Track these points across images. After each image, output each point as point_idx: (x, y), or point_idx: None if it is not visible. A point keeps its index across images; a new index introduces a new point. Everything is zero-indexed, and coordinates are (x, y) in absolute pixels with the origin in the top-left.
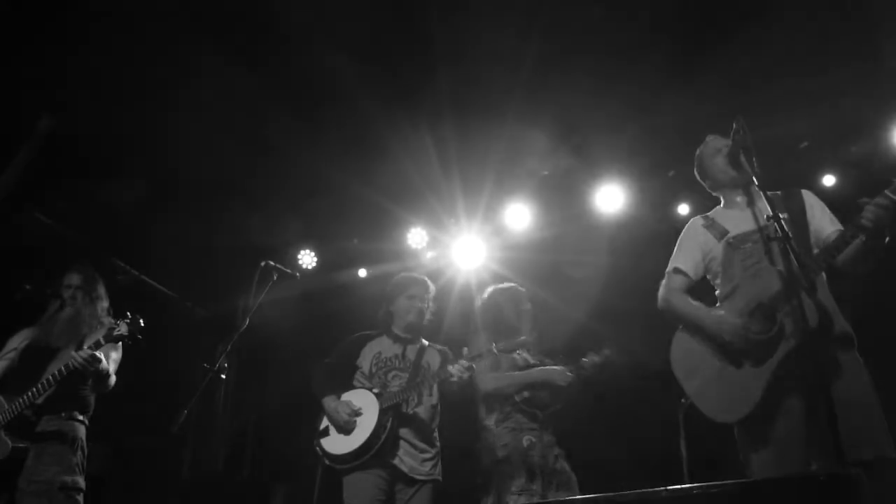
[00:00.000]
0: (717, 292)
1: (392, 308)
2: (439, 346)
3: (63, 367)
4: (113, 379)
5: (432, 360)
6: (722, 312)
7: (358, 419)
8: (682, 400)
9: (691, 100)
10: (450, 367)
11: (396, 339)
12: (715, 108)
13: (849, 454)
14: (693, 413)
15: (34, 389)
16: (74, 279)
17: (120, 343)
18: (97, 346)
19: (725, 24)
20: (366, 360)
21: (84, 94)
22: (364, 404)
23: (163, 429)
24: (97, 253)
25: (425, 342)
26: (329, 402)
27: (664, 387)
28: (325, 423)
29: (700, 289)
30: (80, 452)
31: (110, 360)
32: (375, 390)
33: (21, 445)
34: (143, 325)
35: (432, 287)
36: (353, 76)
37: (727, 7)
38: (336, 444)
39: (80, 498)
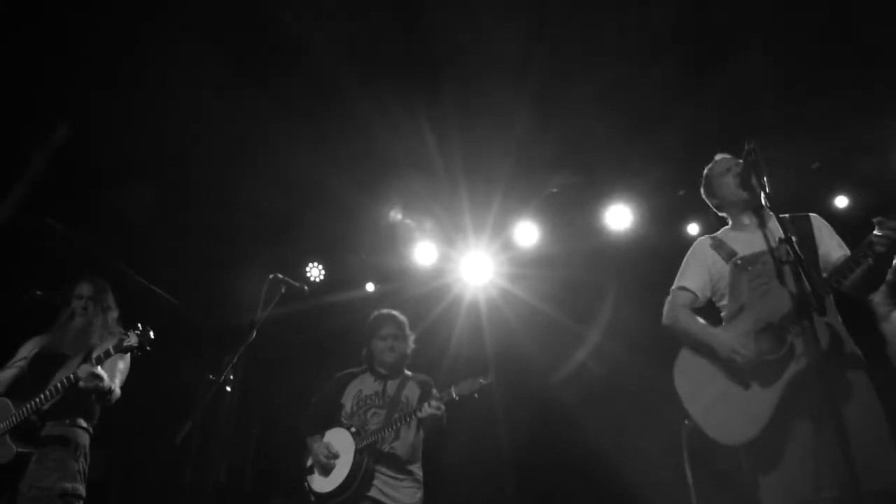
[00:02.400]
0: (722, 313)
1: (371, 348)
2: (420, 377)
3: (71, 375)
4: (117, 393)
5: (411, 393)
6: (730, 333)
7: (336, 460)
8: (686, 422)
9: (701, 119)
10: (424, 407)
11: (378, 376)
12: (725, 127)
13: (862, 483)
14: (698, 435)
15: (41, 396)
16: (85, 289)
17: (128, 353)
18: (107, 355)
19: (736, 42)
20: (348, 399)
21: (99, 105)
22: (342, 445)
23: (166, 438)
24: (107, 260)
25: (408, 373)
26: (310, 442)
27: (669, 407)
28: (310, 461)
29: (704, 311)
30: (82, 459)
31: (116, 370)
32: (353, 429)
33: (25, 451)
34: (152, 336)
35: (403, 320)
36: (361, 91)
37: (737, 26)
38: (319, 483)
39: None
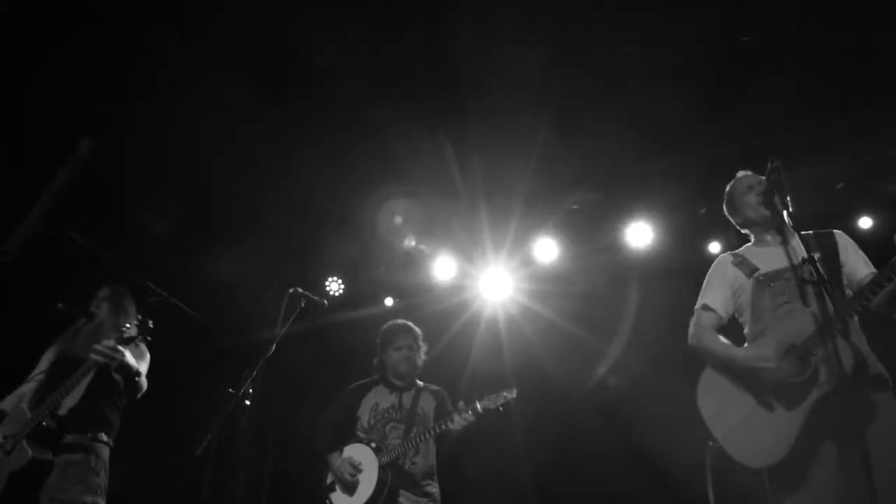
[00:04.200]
0: (745, 331)
1: (384, 358)
2: (433, 387)
3: (85, 367)
4: (144, 381)
5: (427, 405)
6: (756, 350)
7: (360, 476)
8: (710, 443)
9: (724, 137)
10: (456, 418)
11: (392, 388)
12: (748, 145)
13: None
14: (721, 456)
15: (55, 395)
16: (103, 292)
17: (146, 353)
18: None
19: (759, 61)
20: (365, 413)
21: (125, 122)
22: (364, 460)
23: (186, 451)
24: (130, 275)
25: (420, 384)
26: (332, 459)
27: (690, 426)
28: (330, 478)
29: (728, 329)
30: (102, 473)
31: (141, 369)
32: (373, 445)
33: (42, 458)
34: (151, 326)
35: (418, 332)
36: (380, 109)
37: (761, 45)
38: (343, 500)
39: None
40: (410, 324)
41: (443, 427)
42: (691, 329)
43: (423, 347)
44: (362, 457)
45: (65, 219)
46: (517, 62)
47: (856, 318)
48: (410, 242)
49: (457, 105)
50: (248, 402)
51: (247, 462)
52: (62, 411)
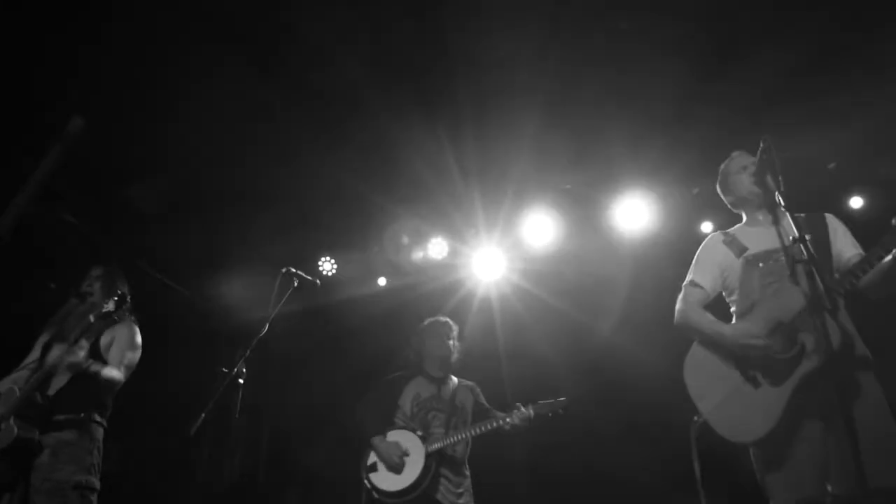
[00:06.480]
0: (732, 309)
1: (423, 350)
2: (468, 382)
3: (44, 371)
4: (110, 374)
5: (465, 398)
6: (744, 326)
7: (407, 459)
8: (696, 418)
9: (717, 117)
10: (513, 415)
11: (431, 379)
12: (741, 125)
13: (871, 480)
14: (707, 431)
15: (37, 374)
16: (96, 271)
17: (135, 331)
18: (87, 328)
19: (752, 40)
20: (406, 401)
21: (117, 101)
22: (411, 446)
23: (180, 431)
24: (122, 254)
25: (455, 379)
26: (378, 441)
27: (679, 404)
28: (373, 458)
29: (715, 307)
30: (96, 453)
31: (125, 358)
32: (419, 432)
33: (28, 437)
34: (129, 301)
35: (456, 327)
36: (373, 88)
37: (753, 23)
38: (385, 480)
39: (94, 498)
40: (449, 319)
41: (498, 424)
42: (678, 305)
43: (458, 345)
44: (409, 442)
45: (57, 199)
46: (510, 41)
47: (842, 300)
48: (419, 253)
49: (450, 84)
50: (241, 382)
51: (241, 441)
52: (51, 391)
